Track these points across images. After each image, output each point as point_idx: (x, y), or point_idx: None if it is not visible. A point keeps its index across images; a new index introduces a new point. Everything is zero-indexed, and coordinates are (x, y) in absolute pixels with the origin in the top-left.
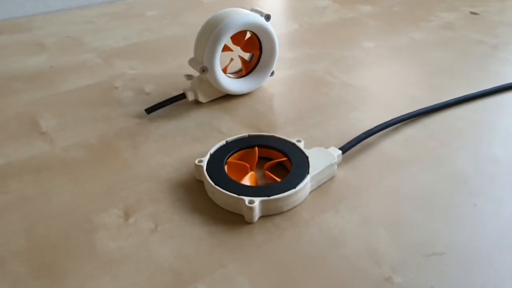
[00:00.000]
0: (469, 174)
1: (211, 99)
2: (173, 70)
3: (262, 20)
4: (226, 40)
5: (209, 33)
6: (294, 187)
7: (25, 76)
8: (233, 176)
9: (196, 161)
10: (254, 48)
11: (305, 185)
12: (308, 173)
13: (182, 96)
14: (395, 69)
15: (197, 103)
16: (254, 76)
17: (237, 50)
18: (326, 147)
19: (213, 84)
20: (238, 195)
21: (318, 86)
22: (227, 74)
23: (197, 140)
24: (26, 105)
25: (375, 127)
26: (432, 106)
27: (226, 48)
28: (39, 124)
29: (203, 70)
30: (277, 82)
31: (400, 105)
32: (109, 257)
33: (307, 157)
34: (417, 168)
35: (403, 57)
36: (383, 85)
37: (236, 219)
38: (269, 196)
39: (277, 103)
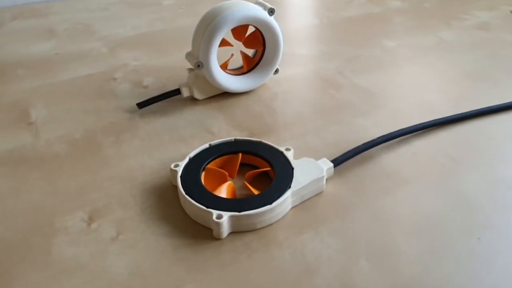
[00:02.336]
0: (478, 200)
1: (208, 96)
2: (177, 63)
3: (264, 14)
4: (224, 35)
5: (206, 27)
6: (270, 203)
7: (29, 62)
8: (209, 185)
9: (172, 166)
10: (257, 44)
11: (284, 201)
12: (289, 187)
13: (177, 92)
14: (415, 72)
15: (193, 100)
16: (256, 74)
17: (240, 45)
18: (321, 157)
19: (209, 81)
20: (207, 207)
21: (325, 86)
22: (227, 71)
23: (184, 140)
24: (23, 93)
25: (377, 138)
26: (449, 116)
27: (225, 43)
28: (30, 114)
29: (198, 65)
30: (281, 81)
31: (413, 113)
32: (61, 266)
33: (292, 169)
34: (419, 189)
35: (426, 59)
36: (398, 89)
37: (204, 233)
38: (239, 211)
39: (277, 104)
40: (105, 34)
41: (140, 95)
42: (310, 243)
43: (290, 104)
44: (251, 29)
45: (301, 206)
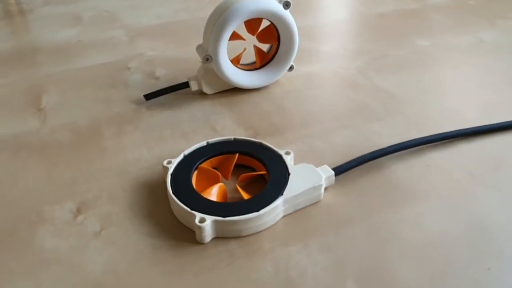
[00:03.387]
0: (493, 225)
1: (217, 91)
2: (193, 55)
3: (278, 7)
4: (234, 28)
5: (217, 19)
6: (258, 210)
7: (51, 49)
8: (200, 185)
9: (165, 162)
10: (272, 39)
11: (274, 209)
12: (281, 194)
13: (186, 85)
14: (446, 75)
15: (202, 94)
16: (269, 70)
17: (254, 39)
18: (325, 163)
19: (219, 75)
20: (191, 209)
21: (343, 87)
22: (239, 66)
23: (185, 136)
24: (39, 78)
25: (388, 147)
26: (474, 128)
27: (235, 36)
28: (41, 100)
29: (207, 58)
30: (296, 78)
31: (436, 121)
32: (40, 257)
33: (288, 174)
34: (428, 207)
35: (461, 61)
36: (422, 93)
37: (188, 236)
38: (224, 216)
39: (287, 103)
40: (127, 23)
41: (151, 86)
42: (296, 256)
43: (301, 104)
44: (265, 23)
45: (294, 215)
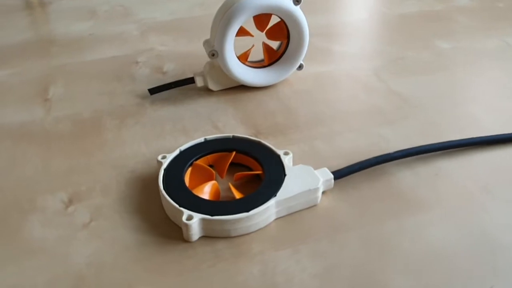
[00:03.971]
0: (501, 243)
1: (223, 88)
2: (203, 50)
3: (288, 3)
4: (242, 23)
5: (224, 13)
6: (248, 210)
7: (64, 41)
8: (193, 182)
9: (159, 157)
10: (281, 36)
11: (265, 210)
12: (274, 196)
13: (191, 80)
14: (466, 80)
15: (208, 90)
16: (277, 68)
17: (263, 36)
18: (326, 166)
19: (225, 72)
20: (180, 205)
21: (355, 88)
22: (247, 63)
23: (186, 132)
24: (49, 69)
25: (394, 152)
26: (491, 136)
27: (243, 32)
28: (48, 90)
29: (213, 54)
30: (307, 78)
31: (450, 128)
32: (27, 245)
33: (284, 176)
34: (432, 217)
35: (484, 66)
36: (439, 98)
37: (176, 233)
38: (212, 215)
39: (294, 103)
40: (141, 18)
41: (157, 80)
42: (284, 261)
43: (309, 104)
44: (275, 20)
45: (288, 218)
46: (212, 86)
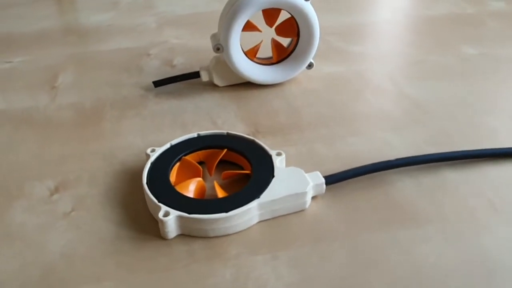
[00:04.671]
0: (500, 267)
1: (228, 84)
2: None
3: None
4: (249, 17)
5: (230, 7)
6: (227, 211)
7: (82, 30)
8: (180, 177)
9: (148, 150)
10: (291, 33)
11: (246, 212)
12: (258, 197)
13: (197, 75)
14: (487, 88)
15: (213, 86)
16: (286, 66)
17: (273, 32)
18: (322, 170)
19: (230, 67)
20: (159, 201)
21: (365, 91)
22: (255, 59)
23: (184, 126)
24: (62, 57)
25: (395, 160)
26: (505, 148)
27: (250, 27)
28: (57, 78)
29: (218, 48)
30: (316, 77)
31: (462, 137)
32: (6, 230)
33: (272, 177)
34: (427, 232)
35: (508, 75)
36: (454, 105)
37: (154, 229)
38: (190, 213)
39: (299, 103)
40: (161, 11)
41: (165, 73)
42: (260, 267)
43: (314, 105)
44: (286, 16)
45: (272, 221)
46: (217, 81)
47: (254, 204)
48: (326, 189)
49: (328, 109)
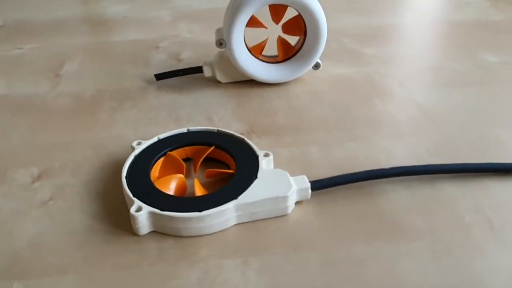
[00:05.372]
0: None
1: (232, 80)
2: None
3: None
4: (253, 12)
5: (234, 1)
6: (200, 210)
7: (97, 20)
8: (162, 173)
9: (134, 143)
10: (298, 31)
11: (221, 213)
12: (235, 198)
13: (199, 70)
14: (504, 99)
15: (216, 82)
16: (291, 65)
17: (279, 30)
18: (313, 175)
19: (232, 63)
20: (134, 195)
21: (373, 94)
22: (261, 56)
23: (178, 121)
24: (72, 46)
25: (389, 168)
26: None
27: (255, 22)
28: (63, 67)
29: (220, 43)
30: (324, 79)
31: (470, 149)
32: None
33: (255, 178)
34: (414, 248)
35: None
36: (465, 115)
37: (128, 225)
38: (162, 209)
39: (301, 104)
40: (178, 4)
41: (171, 67)
42: (229, 272)
43: (317, 107)
44: (294, 13)
45: (250, 225)
46: (220, 77)
47: (230, 205)
48: (313, 195)
49: (331, 112)
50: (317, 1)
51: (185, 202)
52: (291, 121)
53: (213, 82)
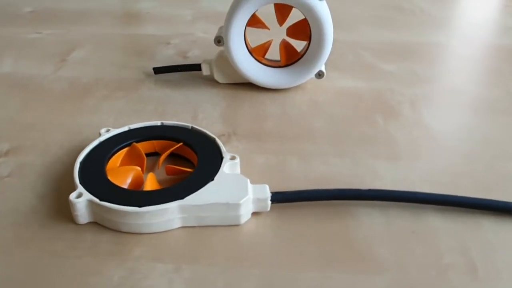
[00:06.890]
0: None
1: (230, 82)
2: None
3: None
4: (254, 10)
5: None
6: (140, 206)
7: (121, 14)
8: (123, 163)
9: (103, 130)
10: (303, 35)
11: (163, 212)
12: (181, 199)
13: (198, 67)
14: None
15: (214, 81)
16: (293, 71)
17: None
18: (287, 187)
19: (230, 63)
20: (80, 181)
21: (376, 111)
22: (263, 60)
23: (162, 115)
24: (86, 35)
25: (368, 190)
26: (509, 203)
27: (257, 22)
28: (71, 53)
29: (219, 41)
30: (327, 89)
31: (473, 182)
32: None
33: (211, 180)
34: (374, 282)
35: None
36: (477, 144)
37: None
38: (101, 199)
39: (295, 112)
40: (203, 5)
41: (174, 62)
42: (156, 277)
43: (312, 117)
44: (300, 17)
45: (197, 230)
46: (217, 77)
47: (173, 205)
48: (275, 208)
49: (324, 124)
50: (325, 5)
51: (128, 195)
52: (278, 128)
53: (212, 81)
